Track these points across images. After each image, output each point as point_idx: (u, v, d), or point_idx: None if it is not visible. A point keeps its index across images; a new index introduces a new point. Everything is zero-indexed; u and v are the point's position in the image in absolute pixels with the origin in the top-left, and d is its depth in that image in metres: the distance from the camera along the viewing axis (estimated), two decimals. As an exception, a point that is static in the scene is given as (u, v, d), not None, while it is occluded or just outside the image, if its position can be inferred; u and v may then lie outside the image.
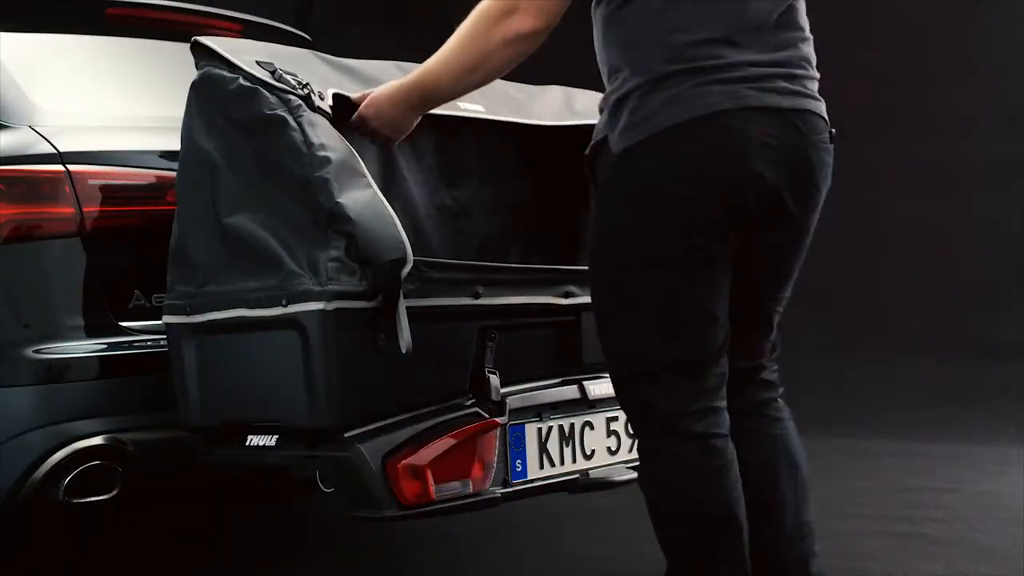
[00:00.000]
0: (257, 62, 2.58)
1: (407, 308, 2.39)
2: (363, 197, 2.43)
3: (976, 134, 7.69)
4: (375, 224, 2.40)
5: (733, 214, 2.28)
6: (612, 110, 2.32)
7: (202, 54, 2.65)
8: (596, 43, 2.42)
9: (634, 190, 2.29)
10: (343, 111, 2.62)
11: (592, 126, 2.50)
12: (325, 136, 2.47)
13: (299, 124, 2.46)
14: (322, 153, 2.43)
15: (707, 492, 2.33)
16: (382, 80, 2.69)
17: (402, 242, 2.40)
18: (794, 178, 2.31)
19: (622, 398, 2.44)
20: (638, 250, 2.30)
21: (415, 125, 2.67)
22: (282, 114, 2.48)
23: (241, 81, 2.55)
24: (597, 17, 2.39)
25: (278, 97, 2.50)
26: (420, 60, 2.68)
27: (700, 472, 2.33)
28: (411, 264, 2.39)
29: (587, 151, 2.44)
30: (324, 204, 2.40)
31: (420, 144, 3.06)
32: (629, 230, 2.31)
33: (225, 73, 2.58)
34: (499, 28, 2.37)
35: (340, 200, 2.39)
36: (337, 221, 2.39)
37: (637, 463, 2.63)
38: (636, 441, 2.46)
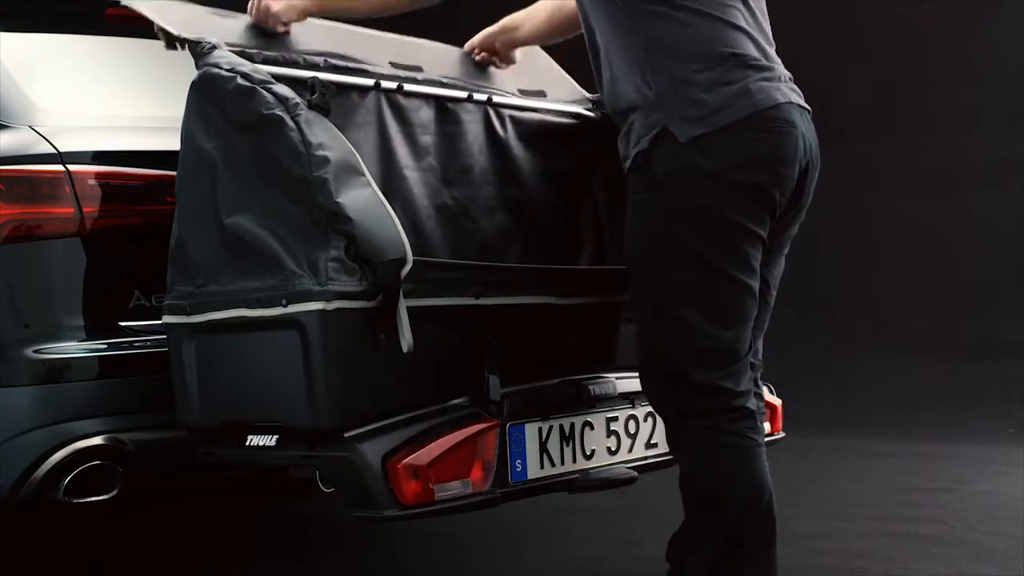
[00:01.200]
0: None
1: (407, 308, 2.39)
2: (362, 196, 2.42)
3: (976, 134, 7.69)
4: (374, 224, 2.40)
5: (782, 198, 2.53)
6: (671, 101, 2.47)
7: (200, 53, 2.65)
8: (620, 39, 2.54)
9: (706, 176, 2.45)
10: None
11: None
12: (324, 135, 2.47)
13: (297, 123, 2.46)
14: (321, 152, 2.43)
15: (761, 468, 2.54)
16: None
17: (402, 242, 2.40)
18: (811, 165, 2.59)
19: (666, 390, 2.56)
20: (702, 235, 2.46)
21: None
22: (280, 114, 2.47)
23: (239, 81, 2.54)
24: (632, 13, 2.50)
25: (276, 96, 2.50)
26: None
27: (756, 448, 2.54)
28: (411, 264, 2.39)
29: (633, 145, 2.55)
30: (323, 204, 2.40)
31: (420, 143, 3.06)
32: (695, 215, 2.47)
33: (224, 72, 2.57)
34: None
35: (339, 200, 2.39)
36: (336, 221, 2.39)
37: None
38: (684, 433, 2.58)
